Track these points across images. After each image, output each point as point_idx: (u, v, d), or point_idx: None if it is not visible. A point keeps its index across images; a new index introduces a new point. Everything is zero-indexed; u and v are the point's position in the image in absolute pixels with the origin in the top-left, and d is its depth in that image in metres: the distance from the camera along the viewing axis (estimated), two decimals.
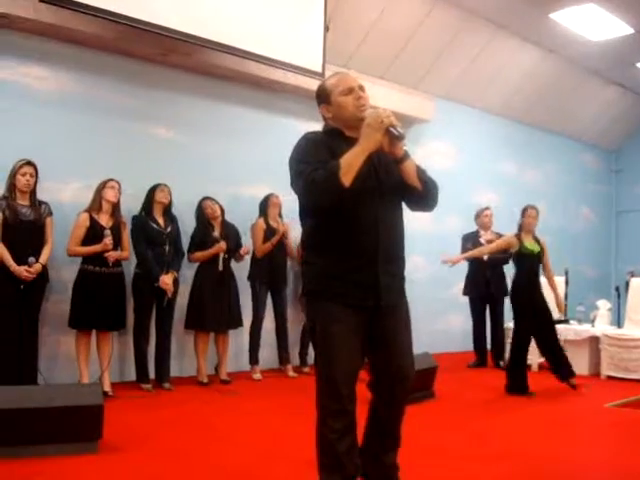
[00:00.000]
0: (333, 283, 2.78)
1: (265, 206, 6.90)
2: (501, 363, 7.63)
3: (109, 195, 5.70)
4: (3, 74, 5.79)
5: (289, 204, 6.66)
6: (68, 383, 5.17)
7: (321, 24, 7.02)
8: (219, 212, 6.53)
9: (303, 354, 7.26)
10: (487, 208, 8.14)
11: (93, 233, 5.60)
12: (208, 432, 4.60)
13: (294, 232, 6.97)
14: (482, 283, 7.84)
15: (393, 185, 2.86)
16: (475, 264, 7.86)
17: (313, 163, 2.69)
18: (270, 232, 6.78)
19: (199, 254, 6.38)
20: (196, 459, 3.92)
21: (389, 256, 2.84)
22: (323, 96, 2.91)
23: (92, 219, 5.65)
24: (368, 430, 2.99)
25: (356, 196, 2.68)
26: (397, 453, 3.00)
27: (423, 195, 2.90)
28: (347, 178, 2.62)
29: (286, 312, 7.09)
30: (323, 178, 2.63)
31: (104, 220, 5.70)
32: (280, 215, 6.96)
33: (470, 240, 7.90)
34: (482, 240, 7.84)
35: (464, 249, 7.74)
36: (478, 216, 8.07)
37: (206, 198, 6.54)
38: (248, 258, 6.83)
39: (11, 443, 3.71)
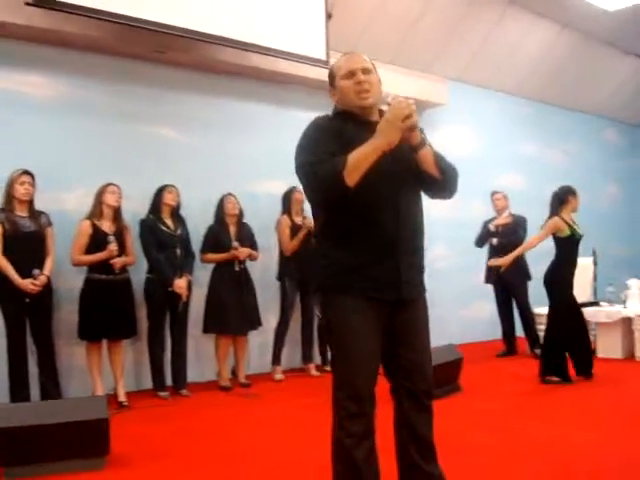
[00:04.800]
0: (351, 277, 2.56)
1: (288, 202, 6.69)
2: (536, 351, 7.35)
3: (109, 200, 5.54)
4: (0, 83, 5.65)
5: None
6: (73, 397, 5.02)
7: (322, 10, 6.79)
8: (237, 210, 6.33)
9: (324, 352, 7.05)
10: (496, 192, 7.89)
11: (96, 240, 5.44)
12: (225, 440, 4.42)
13: None
14: (493, 269, 7.58)
15: (411, 172, 2.62)
16: (490, 250, 7.66)
17: (319, 154, 2.48)
18: (295, 228, 6.59)
19: (212, 256, 6.20)
20: (210, 471, 3.74)
21: (410, 247, 2.62)
22: (330, 79, 2.71)
23: (94, 226, 5.48)
24: (401, 439, 2.70)
25: (373, 183, 2.46)
26: (438, 462, 2.70)
27: (441, 184, 2.67)
28: (352, 178, 2.40)
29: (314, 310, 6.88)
30: (325, 175, 2.43)
31: (106, 226, 5.53)
32: (302, 209, 6.75)
33: (485, 225, 7.75)
34: (490, 226, 7.65)
35: (479, 235, 7.72)
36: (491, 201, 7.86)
37: (228, 194, 6.36)
38: (275, 257, 6.70)
39: (15, 463, 3.56)
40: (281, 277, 6.67)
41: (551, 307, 6.04)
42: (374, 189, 2.49)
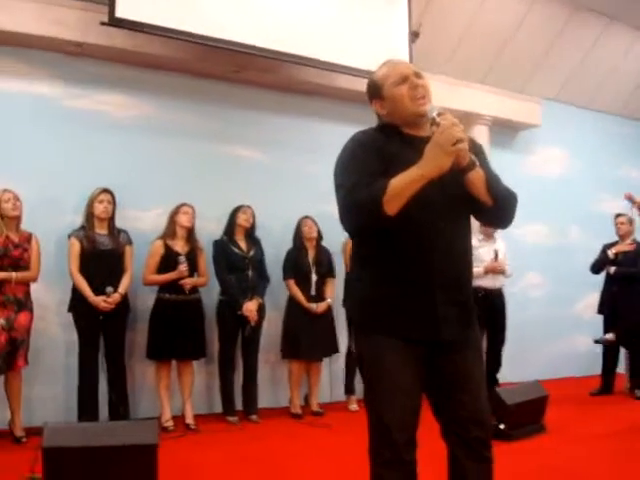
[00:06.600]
0: (380, 311, 2.28)
1: None
2: (637, 392, 6.75)
3: (183, 220, 5.52)
4: (81, 103, 5.74)
5: None
6: (129, 420, 4.94)
7: (406, 30, 6.61)
8: (315, 233, 6.17)
9: None
10: (619, 215, 7.15)
11: (168, 260, 5.43)
12: (288, 471, 4.21)
13: None
14: (609, 299, 7.00)
15: (459, 195, 2.30)
16: (606, 279, 7.04)
17: (358, 175, 2.21)
18: None
19: (293, 288, 6.04)
20: None
21: (451, 280, 2.29)
22: (374, 90, 2.41)
23: (166, 246, 5.48)
24: None
25: (412, 208, 2.15)
26: None
27: (492, 212, 2.34)
28: (392, 207, 2.11)
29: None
30: (363, 201, 2.15)
31: (179, 246, 5.51)
32: None
33: (605, 250, 7.08)
34: (609, 252, 6.99)
35: (596, 260, 7.06)
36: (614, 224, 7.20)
37: (306, 217, 6.21)
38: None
39: None
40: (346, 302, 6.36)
41: None
42: (412, 214, 2.18)
